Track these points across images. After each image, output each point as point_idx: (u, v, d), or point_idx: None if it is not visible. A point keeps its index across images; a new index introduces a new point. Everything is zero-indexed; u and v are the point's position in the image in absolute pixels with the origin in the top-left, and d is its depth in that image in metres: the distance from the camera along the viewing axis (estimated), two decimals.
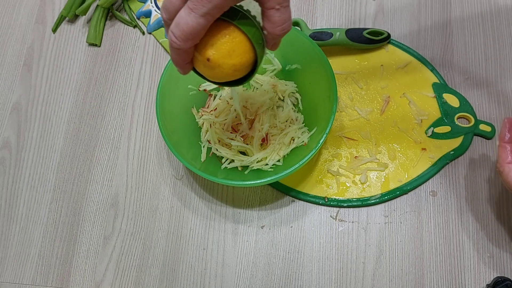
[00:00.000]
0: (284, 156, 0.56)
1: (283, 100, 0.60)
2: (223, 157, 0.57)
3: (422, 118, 0.59)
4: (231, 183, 0.52)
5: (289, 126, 0.57)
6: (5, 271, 0.59)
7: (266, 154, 0.55)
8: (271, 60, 0.60)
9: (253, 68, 0.42)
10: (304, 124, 0.58)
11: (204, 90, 0.60)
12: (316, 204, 0.57)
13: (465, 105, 0.60)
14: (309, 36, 0.61)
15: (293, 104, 0.60)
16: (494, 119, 0.59)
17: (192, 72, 0.43)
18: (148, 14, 0.69)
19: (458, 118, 0.59)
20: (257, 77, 0.60)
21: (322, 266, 0.55)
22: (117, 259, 0.57)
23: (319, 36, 0.62)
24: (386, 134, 0.59)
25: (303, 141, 0.55)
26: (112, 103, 0.65)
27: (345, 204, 0.57)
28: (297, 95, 0.60)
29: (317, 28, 0.66)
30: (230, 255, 0.56)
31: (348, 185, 0.57)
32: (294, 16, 0.67)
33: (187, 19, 0.33)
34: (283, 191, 0.58)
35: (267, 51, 0.43)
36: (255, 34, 0.40)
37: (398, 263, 0.54)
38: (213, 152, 0.57)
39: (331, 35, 0.62)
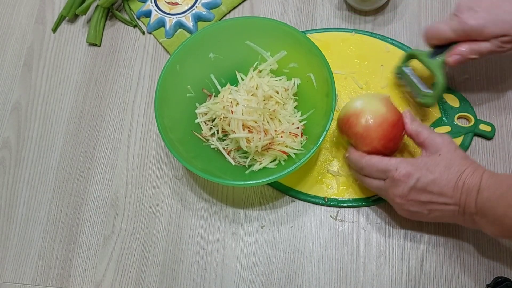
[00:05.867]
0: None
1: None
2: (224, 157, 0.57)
3: (422, 118, 0.59)
4: (231, 183, 0.52)
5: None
6: (5, 271, 0.59)
7: (269, 159, 0.56)
8: (266, 58, 0.60)
9: None
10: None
11: (203, 89, 0.60)
12: (316, 204, 0.57)
13: (465, 105, 0.60)
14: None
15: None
16: (494, 119, 0.59)
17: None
18: (148, 14, 0.69)
19: (458, 118, 0.59)
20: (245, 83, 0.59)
21: (322, 266, 0.55)
22: (117, 259, 0.57)
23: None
24: None
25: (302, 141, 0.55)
26: (112, 103, 0.65)
27: (345, 204, 0.57)
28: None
29: (317, 28, 0.66)
30: (230, 255, 0.56)
31: (348, 185, 0.57)
32: (294, 16, 0.67)
33: (443, 26, 0.53)
34: (283, 191, 0.58)
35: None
36: None
37: (398, 263, 0.54)
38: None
39: None
